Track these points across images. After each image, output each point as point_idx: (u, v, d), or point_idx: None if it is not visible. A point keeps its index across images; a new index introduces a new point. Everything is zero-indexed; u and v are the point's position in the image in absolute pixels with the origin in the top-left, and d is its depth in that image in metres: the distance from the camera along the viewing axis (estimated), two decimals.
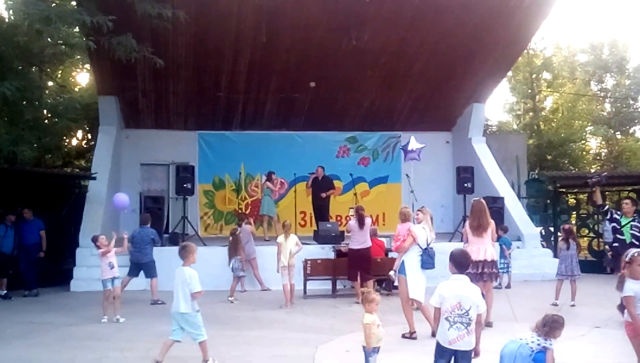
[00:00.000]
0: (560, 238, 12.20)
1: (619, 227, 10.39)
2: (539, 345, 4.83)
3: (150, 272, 12.00)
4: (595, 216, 17.93)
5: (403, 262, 8.70)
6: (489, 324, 8.84)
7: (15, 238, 12.91)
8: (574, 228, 14.27)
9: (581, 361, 4.98)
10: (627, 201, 10.71)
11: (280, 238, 11.75)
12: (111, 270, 9.95)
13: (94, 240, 10.40)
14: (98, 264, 10.72)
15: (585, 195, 18.68)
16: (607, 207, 10.53)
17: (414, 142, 11.44)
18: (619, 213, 10.45)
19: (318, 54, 16.03)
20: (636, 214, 10.35)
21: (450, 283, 5.13)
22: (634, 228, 10.15)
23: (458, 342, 4.93)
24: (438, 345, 5.06)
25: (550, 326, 4.93)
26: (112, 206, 12.88)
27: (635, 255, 5.61)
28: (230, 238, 12.68)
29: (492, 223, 9.20)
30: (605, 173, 12.86)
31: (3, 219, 12.98)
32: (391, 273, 9.24)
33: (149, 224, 12.34)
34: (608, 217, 10.60)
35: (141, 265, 11.99)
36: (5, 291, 12.39)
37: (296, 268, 11.74)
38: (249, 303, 11.46)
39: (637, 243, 9.74)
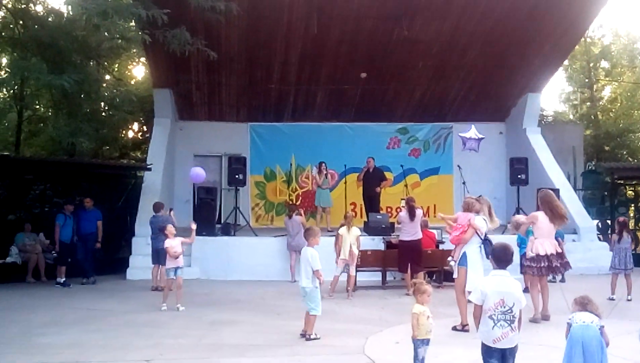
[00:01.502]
0: (614, 231, 11.86)
1: None
2: (598, 323, 4.80)
3: (162, 259, 12.19)
4: None
5: (465, 253, 8.58)
6: (546, 317, 8.69)
7: (74, 228, 13.31)
8: (630, 221, 13.84)
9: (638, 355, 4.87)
10: None
11: (342, 230, 11.77)
12: (175, 260, 10.13)
13: (162, 229, 10.63)
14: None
15: None
16: None
17: (474, 131, 11.25)
18: None
19: (368, 44, 15.97)
20: None
21: (491, 279, 5.00)
22: None
23: (502, 340, 4.82)
24: (483, 345, 4.93)
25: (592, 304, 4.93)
26: (190, 178, 13.08)
27: None
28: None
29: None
30: None
31: (62, 209, 13.42)
32: (452, 263, 9.07)
33: (162, 212, 12.55)
34: None
35: (159, 251, 12.15)
36: (64, 279, 12.80)
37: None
38: (299, 294, 11.52)
39: None
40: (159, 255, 12.28)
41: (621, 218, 12.23)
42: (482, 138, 11.50)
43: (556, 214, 9.06)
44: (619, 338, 6.07)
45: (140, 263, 13.45)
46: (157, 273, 12.23)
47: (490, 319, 4.83)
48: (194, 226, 10.97)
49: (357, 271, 12.09)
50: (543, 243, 9.00)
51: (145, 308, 10.11)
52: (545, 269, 9.02)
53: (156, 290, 11.92)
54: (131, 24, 14.69)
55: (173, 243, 10.22)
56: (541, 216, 9.09)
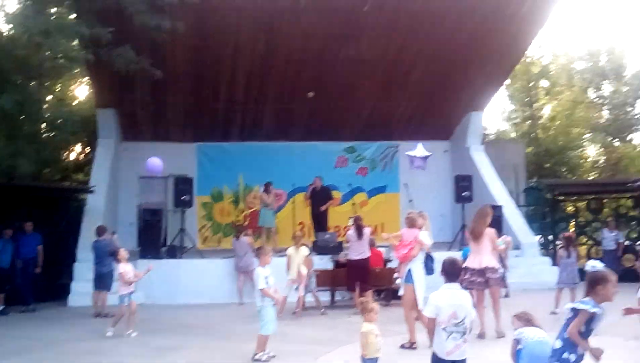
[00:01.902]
0: (560, 246, 12.14)
1: None
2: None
3: (105, 284, 11.99)
4: (594, 223, 17.93)
5: (409, 270, 8.62)
6: (501, 334, 8.74)
7: (13, 253, 12.86)
8: (575, 237, 14.21)
9: None
10: None
11: (290, 250, 11.74)
12: (130, 285, 9.88)
13: (114, 254, 10.36)
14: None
15: (584, 203, 18.71)
16: None
17: (421, 149, 11.41)
18: None
19: (316, 63, 16.09)
20: None
21: (443, 292, 5.07)
22: None
23: (455, 352, 4.89)
24: (435, 356, 4.98)
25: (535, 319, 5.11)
26: (146, 170, 12.84)
27: None
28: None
29: (490, 231, 9.17)
30: None
31: (1, 233, 12.95)
32: (398, 281, 9.10)
33: (105, 236, 12.35)
34: None
35: (101, 276, 11.93)
36: (2, 307, 12.33)
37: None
38: (247, 316, 11.38)
39: None
40: (101, 281, 12.03)
41: (567, 233, 12.55)
42: (429, 156, 11.67)
43: (472, 231, 9.22)
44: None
45: (82, 288, 13.04)
46: (97, 298, 11.93)
47: (444, 331, 4.90)
48: (151, 267, 10.77)
49: (305, 291, 12.02)
50: (474, 258, 9.14)
51: (88, 336, 9.81)
52: (477, 283, 9.07)
53: (98, 316, 11.61)
54: (74, 43, 14.40)
55: (127, 268, 9.99)
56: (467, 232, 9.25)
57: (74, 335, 9.94)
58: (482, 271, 9.00)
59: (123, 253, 10.17)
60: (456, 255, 12.58)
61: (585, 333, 4.64)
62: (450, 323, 4.89)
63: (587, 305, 4.59)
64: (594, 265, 4.91)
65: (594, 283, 4.71)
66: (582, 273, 12.15)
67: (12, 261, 12.81)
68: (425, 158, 11.67)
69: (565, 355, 4.59)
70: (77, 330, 10.42)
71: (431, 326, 4.99)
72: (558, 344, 4.66)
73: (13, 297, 12.73)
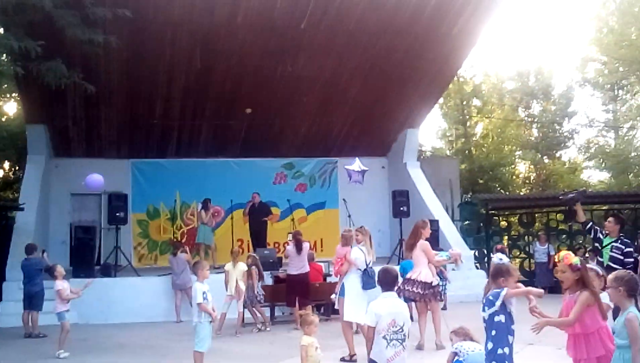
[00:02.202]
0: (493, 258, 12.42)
1: (600, 248, 8.76)
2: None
3: (35, 304, 11.61)
4: (526, 237, 18.47)
5: (342, 284, 8.71)
6: (440, 346, 8.81)
7: None
8: (506, 249, 14.59)
9: None
10: (610, 219, 8.83)
11: (228, 266, 11.61)
12: (67, 303, 9.68)
13: (50, 270, 10.05)
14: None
15: (517, 217, 19.26)
16: (590, 224, 8.87)
17: (358, 164, 11.53)
18: (603, 232, 8.73)
19: (253, 80, 16.07)
20: (622, 235, 8.77)
21: (382, 301, 5.16)
22: (614, 250, 8.43)
23: (396, 359, 4.97)
24: None
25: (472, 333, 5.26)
26: (86, 186, 12.49)
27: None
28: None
29: (422, 244, 9.29)
30: (584, 188, 11.96)
31: None
32: (333, 296, 9.21)
33: (34, 254, 11.99)
34: (592, 236, 8.91)
35: (31, 296, 11.56)
36: None
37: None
38: (185, 333, 11.14)
39: (614, 266, 7.73)
40: (31, 300, 11.59)
41: (499, 245, 12.89)
42: (366, 170, 11.78)
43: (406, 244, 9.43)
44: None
45: (12, 309, 12.49)
46: (27, 318, 11.49)
47: (384, 339, 4.96)
48: (89, 282, 10.51)
49: (244, 307, 11.87)
50: (414, 270, 9.28)
51: (19, 357, 9.42)
52: (416, 294, 9.18)
53: (29, 336, 11.18)
54: (2, 56, 13.94)
55: (64, 285, 9.75)
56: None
57: (4, 355, 9.52)
58: (420, 284, 9.11)
59: (60, 269, 9.91)
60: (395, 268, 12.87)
61: (510, 320, 4.79)
62: (390, 331, 4.98)
63: (503, 290, 4.74)
64: (501, 258, 5.11)
65: (497, 275, 4.90)
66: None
67: None
68: (363, 172, 11.76)
69: (500, 352, 4.69)
70: (7, 351, 9.97)
71: (371, 335, 5.06)
72: (490, 345, 4.76)
73: None
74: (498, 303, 4.69)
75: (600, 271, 5.38)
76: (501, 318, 4.72)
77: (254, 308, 11.74)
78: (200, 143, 18.34)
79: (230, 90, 16.36)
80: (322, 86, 16.77)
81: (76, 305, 12.58)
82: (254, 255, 12.46)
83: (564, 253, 4.98)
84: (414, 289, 9.07)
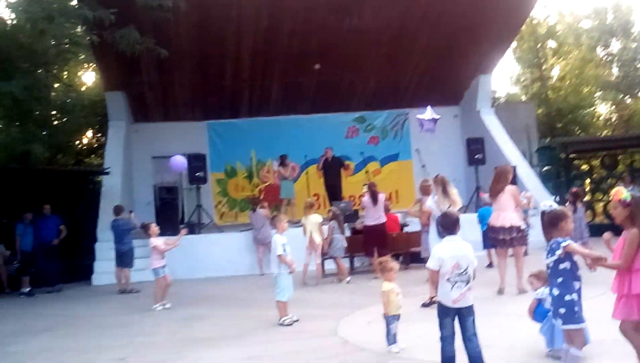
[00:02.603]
0: (567, 202, 12.14)
1: None
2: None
3: (126, 261, 12.17)
4: (609, 179, 17.89)
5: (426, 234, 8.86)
6: (522, 291, 8.77)
7: (34, 236, 13.06)
8: (584, 192, 14.15)
9: (599, 318, 5.07)
10: None
11: (303, 219, 11.83)
12: (162, 259, 10.01)
13: (146, 228, 10.45)
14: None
15: (598, 160, 18.64)
16: None
17: (430, 112, 11.39)
18: None
19: (320, 36, 16.04)
20: None
21: (445, 245, 5.23)
22: None
23: (461, 300, 5.04)
24: (441, 306, 5.12)
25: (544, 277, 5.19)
26: (171, 168, 13.07)
27: None
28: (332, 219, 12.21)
29: (511, 188, 9.22)
30: None
31: (21, 218, 13.15)
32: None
33: (122, 215, 12.52)
34: None
35: (122, 254, 12.14)
36: (29, 289, 12.58)
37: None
38: (269, 285, 11.52)
39: None
40: (122, 258, 12.22)
41: (574, 189, 12.55)
42: (438, 118, 11.63)
43: (491, 188, 9.28)
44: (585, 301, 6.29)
45: (104, 268, 13.27)
46: (120, 275, 12.16)
47: (448, 282, 5.04)
48: (184, 232, 11.01)
49: (324, 259, 12.12)
50: (499, 215, 9.18)
51: (114, 311, 10.00)
52: (500, 241, 9.13)
53: (123, 292, 11.83)
54: (77, 28, 14.44)
55: (159, 242, 10.10)
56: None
57: (101, 311, 10.15)
58: (506, 230, 9.03)
59: (154, 227, 10.31)
60: (473, 216, 12.82)
61: (575, 267, 4.75)
62: (454, 274, 5.04)
63: (565, 242, 4.68)
64: (550, 204, 4.94)
65: (557, 221, 4.80)
66: (591, 228, 12.24)
67: (34, 244, 12.99)
68: (435, 120, 11.62)
69: (567, 298, 4.67)
70: (103, 306, 10.64)
71: (435, 278, 5.16)
72: (556, 292, 4.73)
73: (39, 279, 12.97)
74: (559, 252, 4.65)
75: None
76: (566, 265, 4.68)
77: (336, 260, 11.91)
78: (271, 101, 18.55)
79: (298, 47, 16.40)
80: (390, 37, 16.56)
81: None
82: (334, 209, 12.56)
83: (616, 188, 4.85)
84: (503, 236, 9.02)
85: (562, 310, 4.66)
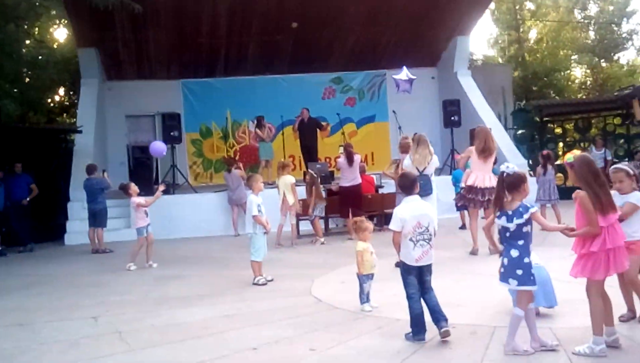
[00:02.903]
0: (539, 165, 12.31)
1: None
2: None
3: (99, 221, 12.10)
4: (582, 143, 18.10)
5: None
6: (493, 252, 8.83)
7: (5, 195, 12.89)
8: (554, 155, 14.32)
9: (568, 278, 5.18)
10: None
11: (277, 179, 11.80)
12: (147, 217, 9.95)
13: (125, 188, 10.33)
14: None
15: (572, 123, 18.83)
16: None
17: (405, 72, 11.36)
18: None
19: None
20: None
21: (405, 205, 5.30)
22: None
23: (424, 258, 5.16)
24: (404, 265, 5.23)
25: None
26: (150, 152, 12.95)
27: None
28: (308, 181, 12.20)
29: (496, 149, 9.26)
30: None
31: None
32: None
33: (95, 174, 12.39)
34: None
35: (95, 214, 12.06)
36: (0, 248, 12.46)
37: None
38: (243, 246, 11.53)
39: None
40: (95, 218, 12.13)
41: (545, 151, 12.71)
42: (414, 79, 11.61)
43: (484, 148, 9.23)
44: (552, 262, 6.41)
45: (77, 227, 13.21)
46: (93, 235, 12.09)
47: (411, 241, 5.14)
48: (162, 187, 10.98)
49: (299, 220, 12.12)
50: (477, 176, 9.21)
51: (87, 271, 9.96)
52: (479, 202, 9.19)
53: (96, 252, 11.78)
54: None
55: (140, 199, 10.04)
56: (474, 150, 9.27)
57: (74, 270, 10.09)
58: (484, 191, 9.03)
59: (134, 187, 10.26)
60: (448, 179, 12.92)
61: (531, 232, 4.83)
62: (416, 233, 5.15)
63: (533, 208, 4.73)
64: (508, 166, 4.93)
65: (519, 183, 4.80)
66: (562, 191, 12.40)
67: (5, 203, 12.84)
68: (411, 80, 11.59)
69: (526, 260, 4.71)
70: (76, 266, 10.58)
71: (397, 239, 5.22)
72: (515, 253, 4.73)
73: (10, 239, 12.85)
74: (526, 216, 4.68)
75: (632, 171, 5.22)
76: (528, 229, 4.73)
77: (312, 221, 11.92)
78: (248, 60, 18.34)
79: (276, 5, 16.18)
80: None
81: None
82: (312, 172, 12.49)
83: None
84: (479, 197, 9.05)
85: (519, 272, 4.69)
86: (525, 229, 4.72)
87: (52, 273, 9.90)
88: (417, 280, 5.18)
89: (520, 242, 4.73)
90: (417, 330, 5.14)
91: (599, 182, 4.58)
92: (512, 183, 4.81)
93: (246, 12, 16.40)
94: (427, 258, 5.17)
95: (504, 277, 4.77)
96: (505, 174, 4.85)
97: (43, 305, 7.41)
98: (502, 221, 4.78)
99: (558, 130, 19.43)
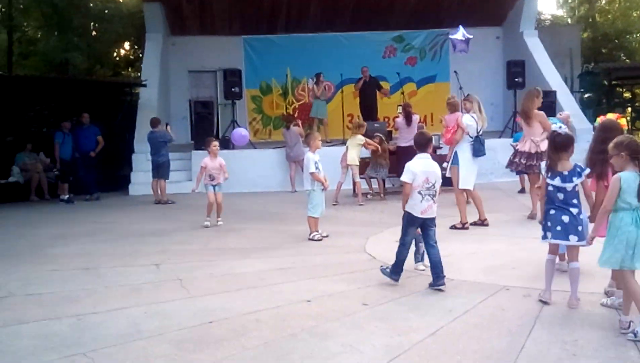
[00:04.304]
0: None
1: None
2: None
3: (163, 173, 12.43)
4: None
5: (456, 153, 8.68)
6: (532, 216, 8.74)
7: (74, 145, 13.36)
8: (627, 122, 13.82)
9: None
10: None
11: (349, 138, 11.85)
12: (212, 180, 9.84)
13: (207, 143, 10.27)
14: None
15: None
16: None
17: (462, 32, 11.12)
18: None
19: None
20: None
21: (417, 161, 5.77)
22: None
23: (428, 211, 5.66)
24: (410, 216, 5.69)
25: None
26: (232, 140, 13.16)
27: None
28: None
29: (539, 114, 8.87)
30: None
31: (60, 127, 13.43)
32: (444, 164, 9.15)
33: (159, 127, 12.65)
34: None
35: (159, 166, 12.37)
36: (67, 196, 12.99)
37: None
38: (300, 202, 11.68)
39: None
40: (158, 170, 12.47)
41: (603, 116, 12.28)
42: (470, 38, 11.38)
43: (521, 111, 8.97)
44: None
45: (141, 179, 13.62)
46: (156, 187, 12.44)
47: (419, 194, 5.64)
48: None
49: (362, 177, 12.13)
50: (523, 140, 8.99)
51: (150, 221, 10.33)
52: (522, 165, 8.95)
53: (159, 203, 12.16)
54: None
55: (210, 164, 9.87)
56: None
57: (137, 220, 10.48)
58: (534, 156, 8.83)
59: (215, 144, 10.25)
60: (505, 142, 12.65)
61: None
62: (424, 187, 5.63)
63: (586, 171, 4.94)
64: (561, 126, 5.09)
65: (569, 143, 4.99)
66: None
67: (73, 153, 13.32)
68: (467, 40, 11.36)
69: (582, 216, 4.96)
70: (140, 215, 10.99)
71: (408, 190, 5.68)
72: (575, 211, 4.92)
73: (77, 187, 13.37)
74: (585, 174, 4.90)
75: None
76: (579, 188, 4.95)
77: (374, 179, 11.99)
78: (309, 17, 18.27)
79: None
80: None
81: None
82: (380, 135, 12.46)
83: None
84: (521, 160, 8.85)
85: (580, 228, 4.89)
86: (578, 188, 4.95)
87: (117, 221, 10.31)
88: (420, 230, 5.74)
89: (575, 201, 4.92)
90: (396, 271, 5.75)
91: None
92: (562, 143, 4.95)
93: None
94: (431, 212, 5.66)
95: (564, 234, 4.91)
96: (555, 134, 5.05)
97: (107, 251, 7.75)
98: (557, 182, 4.92)
99: (627, 94, 18.74)
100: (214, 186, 9.81)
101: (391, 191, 12.81)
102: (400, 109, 12.61)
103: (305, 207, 8.30)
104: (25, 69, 21.83)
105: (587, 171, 4.94)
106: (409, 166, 5.75)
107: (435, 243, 5.71)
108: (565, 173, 4.88)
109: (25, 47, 22.13)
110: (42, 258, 7.42)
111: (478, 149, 8.61)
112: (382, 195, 12.05)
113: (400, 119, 11.89)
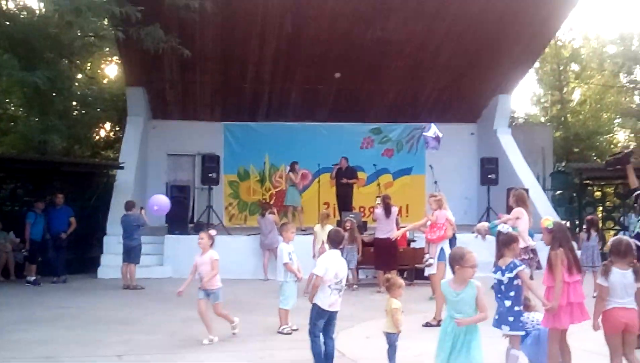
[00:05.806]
0: (583, 230, 12.08)
1: None
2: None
3: (134, 257, 12.30)
4: (622, 208, 17.75)
5: (442, 249, 8.77)
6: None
7: (45, 226, 13.19)
8: (597, 220, 14.01)
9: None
10: None
11: (317, 227, 11.81)
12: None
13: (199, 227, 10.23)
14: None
15: (612, 188, 18.51)
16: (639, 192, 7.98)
17: (434, 129, 11.43)
18: None
19: (343, 44, 16.05)
20: None
21: (329, 256, 6.15)
22: None
23: (335, 305, 6.00)
24: (319, 308, 5.93)
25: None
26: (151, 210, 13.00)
27: None
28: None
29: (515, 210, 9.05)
30: (631, 150, 10.54)
31: (32, 206, 13.29)
32: (430, 260, 9.11)
33: (133, 211, 12.61)
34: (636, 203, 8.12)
35: (130, 250, 12.24)
36: (34, 277, 12.69)
37: None
38: (272, 291, 11.52)
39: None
40: (129, 254, 12.31)
41: (590, 216, 12.48)
42: (441, 136, 11.70)
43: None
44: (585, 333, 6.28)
45: (111, 261, 13.38)
46: (126, 271, 12.25)
47: (329, 288, 5.94)
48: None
49: None
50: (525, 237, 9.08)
51: (116, 306, 10.09)
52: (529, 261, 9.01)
53: (127, 288, 11.92)
54: (104, 21, 14.61)
55: (199, 260, 8.19)
56: (525, 212, 9.16)
57: (104, 305, 10.24)
58: (532, 251, 8.93)
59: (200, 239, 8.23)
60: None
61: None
62: (333, 282, 5.95)
63: (520, 267, 5.42)
64: (504, 226, 5.65)
65: (510, 242, 5.58)
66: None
67: (44, 234, 13.12)
68: (438, 138, 11.66)
69: (516, 309, 5.40)
70: (107, 300, 10.74)
71: (318, 283, 5.95)
72: (508, 303, 5.38)
73: (45, 269, 13.10)
74: (515, 272, 5.36)
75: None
76: (519, 282, 5.38)
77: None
78: (289, 106, 18.61)
79: (320, 54, 16.42)
80: (412, 50, 16.55)
81: (170, 260, 13.37)
82: (351, 219, 12.52)
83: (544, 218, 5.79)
84: (530, 255, 8.93)
85: (511, 319, 5.36)
86: (516, 282, 5.38)
87: (82, 307, 10.05)
88: (324, 323, 5.95)
89: (512, 293, 5.37)
90: None
91: (570, 246, 5.40)
92: (504, 241, 5.59)
93: (290, 60, 16.72)
94: (337, 306, 6.02)
95: (498, 323, 5.44)
96: (499, 233, 5.78)
97: (70, 339, 7.53)
98: (497, 275, 5.47)
99: (598, 194, 19.13)
100: (205, 291, 7.96)
101: (364, 283, 12.74)
102: (379, 200, 12.70)
103: (277, 297, 8.19)
104: (3, 147, 21.82)
105: (521, 267, 5.41)
106: (322, 260, 6.12)
107: (333, 336, 6.10)
108: (504, 267, 5.43)
109: (4, 124, 22.19)
110: (3, 343, 7.17)
111: (454, 245, 8.67)
112: (355, 286, 11.94)
113: (379, 211, 11.96)
